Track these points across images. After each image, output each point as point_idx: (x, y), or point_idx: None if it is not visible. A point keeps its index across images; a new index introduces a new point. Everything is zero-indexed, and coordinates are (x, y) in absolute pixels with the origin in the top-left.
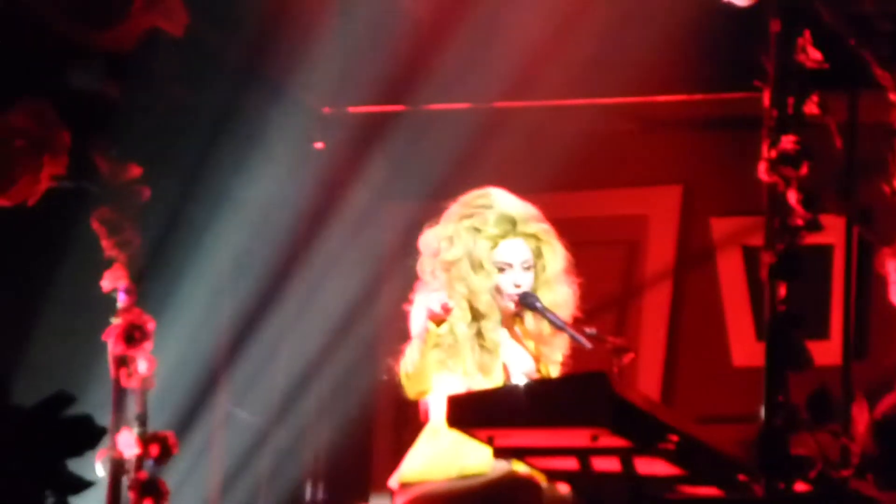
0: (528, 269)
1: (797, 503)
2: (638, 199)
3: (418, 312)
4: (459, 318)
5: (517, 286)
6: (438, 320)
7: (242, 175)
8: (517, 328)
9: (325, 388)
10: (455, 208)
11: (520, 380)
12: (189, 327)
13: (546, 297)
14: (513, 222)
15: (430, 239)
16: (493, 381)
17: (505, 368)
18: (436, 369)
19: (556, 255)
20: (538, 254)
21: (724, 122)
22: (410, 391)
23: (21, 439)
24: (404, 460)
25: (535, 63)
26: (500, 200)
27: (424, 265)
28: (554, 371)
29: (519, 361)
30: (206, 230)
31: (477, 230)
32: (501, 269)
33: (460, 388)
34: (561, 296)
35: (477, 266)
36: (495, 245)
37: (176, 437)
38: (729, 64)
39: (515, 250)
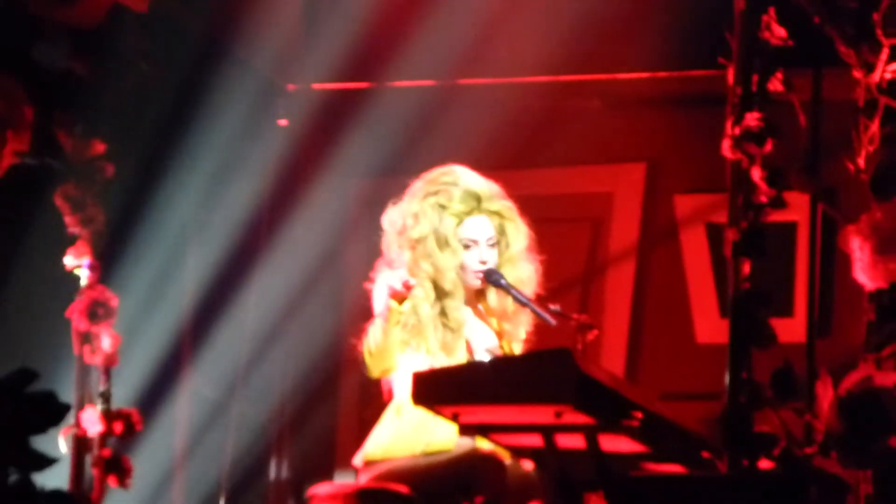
0: (492, 245)
1: (761, 480)
2: (602, 176)
3: (380, 291)
4: (423, 299)
5: (482, 262)
6: (400, 298)
7: (206, 151)
8: (480, 305)
9: (289, 366)
10: (419, 185)
11: (483, 357)
12: (152, 304)
13: (509, 275)
14: (478, 199)
15: (394, 216)
16: (456, 360)
17: (468, 346)
18: (399, 349)
19: (520, 233)
20: (501, 231)
21: (688, 100)
22: (374, 370)
23: None
24: (368, 438)
25: (500, 39)
26: (465, 177)
27: (389, 242)
28: (517, 348)
29: (482, 338)
30: (169, 206)
31: (443, 207)
32: (467, 247)
33: (423, 367)
34: (524, 273)
35: (443, 243)
36: (460, 222)
37: (140, 415)
38: (693, 41)
39: (480, 227)
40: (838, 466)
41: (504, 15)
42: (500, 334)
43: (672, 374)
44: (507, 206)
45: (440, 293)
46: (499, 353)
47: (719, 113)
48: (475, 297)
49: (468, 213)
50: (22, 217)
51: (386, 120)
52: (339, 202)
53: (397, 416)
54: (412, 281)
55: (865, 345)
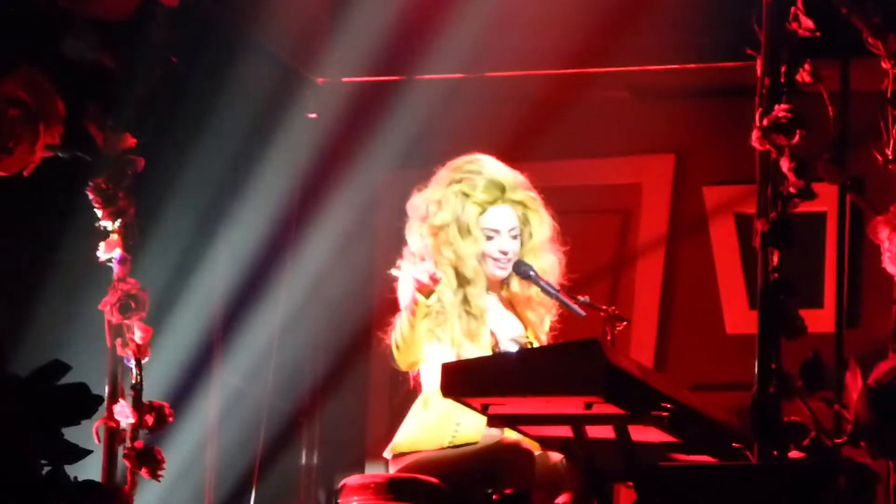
0: (515, 236)
1: (790, 470)
2: (631, 167)
3: (406, 283)
4: (445, 285)
5: (503, 252)
6: (427, 291)
7: (236, 145)
8: (504, 293)
9: (319, 357)
10: (444, 173)
11: (508, 346)
12: (185, 297)
13: (533, 265)
14: (501, 188)
15: (418, 202)
16: (480, 348)
17: (493, 334)
18: (426, 339)
19: (543, 223)
20: (525, 221)
21: (717, 91)
22: (402, 363)
23: (17, 408)
24: (398, 430)
25: (528, 31)
26: (489, 166)
27: (412, 229)
28: (543, 338)
29: (507, 327)
30: (199, 199)
31: (466, 195)
32: (489, 237)
33: (449, 357)
34: (546, 263)
35: (464, 231)
36: (483, 211)
37: (171, 407)
38: (722, 32)
39: (503, 217)
40: (867, 456)
41: (532, 6)
42: (525, 323)
43: (701, 364)
44: (531, 196)
45: (462, 280)
46: (524, 341)
47: (748, 104)
48: (498, 287)
49: (491, 203)
50: (56, 210)
51: (414, 112)
52: (368, 194)
53: (424, 409)
54: (439, 274)
55: (894, 334)
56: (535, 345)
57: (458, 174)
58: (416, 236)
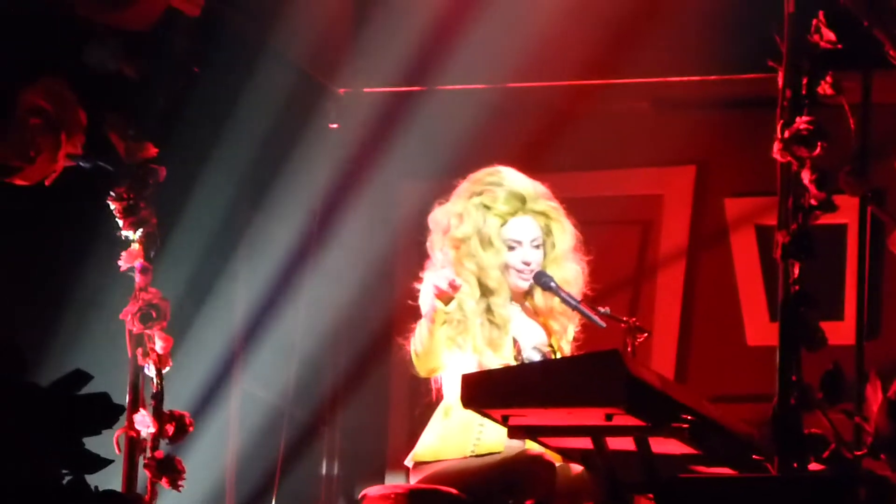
0: (537, 246)
1: (810, 482)
2: (652, 178)
3: (426, 291)
4: (468, 295)
5: (526, 263)
6: (446, 298)
7: (257, 154)
8: (527, 303)
9: (340, 366)
10: (465, 185)
11: (531, 354)
12: (205, 307)
13: (555, 275)
14: (522, 200)
15: (439, 216)
16: (502, 357)
17: (515, 343)
18: (446, 346)
19: (566, 233)
20: (547, 231)
21: (738, 103)
22: (421, 370)
23: (39, 417)
24: (419, 439)
25: (550, 43)
26: (510, 178)
27: (434, 242)
28: (566, 347)
29: (530, 336)
30: (221, 208)
31: (487, 207)
32: (511, 248)
33: (471, 366)
34: (569, 273)
35: (486, 243)
36: (504, 222)
37: (192, 417)
38: (743, 44)
39: (525, 228)
40: (888, 468)
41: (554, 18)
42: (549, 332)
43: (722, 376)
44: (552, 206)
45: (485, 291)
46: (547, 350)
47: (769, 116)
48: (521, 297)
49: (512, 214)
50: (76, 220)
51: (436, 123)
52: (389, 204)
53: (445, 418)
54: (458, 281)
55: None
56: (558, 354)
57: (479, 186)
58: (437, 250)
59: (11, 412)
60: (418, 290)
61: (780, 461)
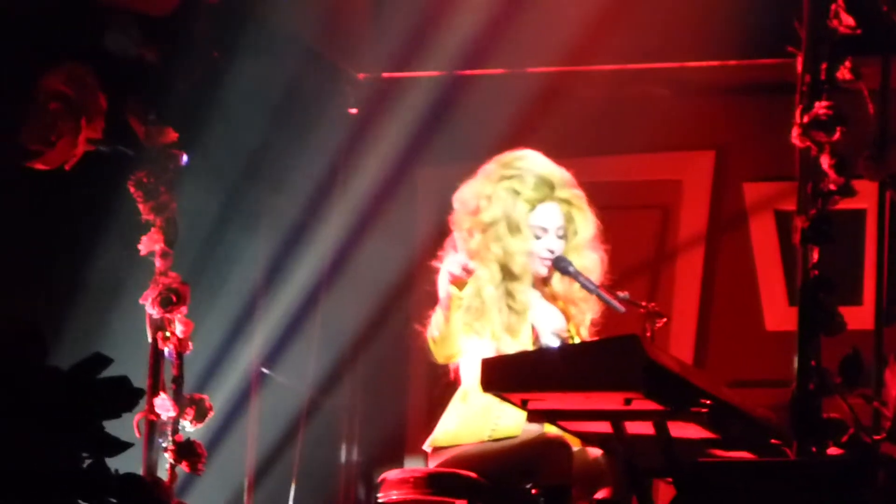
0: (561, 235)
1: (829, 467)
2: (671, 163)
3: (442, 277)
4: (487, 280)
5: (551, 251)
6: (461, 283)
7: (277, 139)
8: (546, 289)
9: (361, 352)
10: (493, 167)
11: (550, 340)
12: (225, 291)
13: (575, 262)
14: (551, 186)
15: (467, 195)
16: (521, 343)
17: (534, 329)
18: (463, 332)
19: (587, 222)
20: (570, 219)
21: (757, 88)
22: (438, 356)
23: (59, 401)
24: (438, 424)
25: (569, 29)
26: (539, 163)
27: (459, 221)
28: (585, 333)
29: (549, 321)
30: (241, 194)
31: (516, 192)
32: (538, 236)
33: (488, 352)
34: (589, 261)
35: (514, 228)
36: (532, 208)
37: (211, 400)
38: (762, 30)
39: (551, 215)
40: None
41: (573, 4)
42: (567, 317)
43: (741, 361)
44: (576, 194)
45: (507, 275)
46: (566, 335)
47: (788, 101)
48: (541, 282)
49: (540, 200)
50: (98, 204)
51: (455, 108)
52: (408, 189)
53: (463, 403)
54: (472, 265)
55: None
56: (576, 339)
57: (509, 170)
58: (464, 230)
59: (32, 396)
60: (437, 272)
61: (798, 445)
